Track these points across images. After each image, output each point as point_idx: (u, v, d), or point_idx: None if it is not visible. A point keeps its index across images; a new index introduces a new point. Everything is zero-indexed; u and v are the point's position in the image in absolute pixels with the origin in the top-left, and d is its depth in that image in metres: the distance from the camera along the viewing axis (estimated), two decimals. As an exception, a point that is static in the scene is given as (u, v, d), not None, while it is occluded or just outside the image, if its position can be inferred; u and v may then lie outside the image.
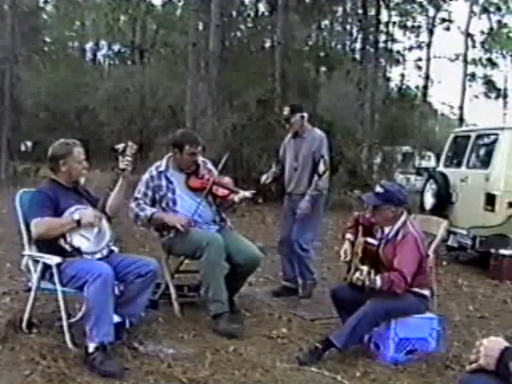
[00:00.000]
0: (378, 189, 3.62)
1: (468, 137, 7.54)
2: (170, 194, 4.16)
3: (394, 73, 42.16)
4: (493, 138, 7.03)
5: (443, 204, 7.30)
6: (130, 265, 3.44)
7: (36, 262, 3.40)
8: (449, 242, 7.22)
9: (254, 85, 13.62)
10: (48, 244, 3.35)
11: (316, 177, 4.77)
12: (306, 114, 4.93)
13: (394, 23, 24.40)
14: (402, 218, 3.59)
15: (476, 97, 27.92)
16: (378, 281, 3.37)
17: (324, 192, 4.87)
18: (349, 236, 3.79)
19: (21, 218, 3.47)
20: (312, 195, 4.76)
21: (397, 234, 3.56)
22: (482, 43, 26.49)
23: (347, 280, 3.61)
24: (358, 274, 3.40)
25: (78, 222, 3.31)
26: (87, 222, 3.34)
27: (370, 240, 3.64)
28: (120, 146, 3.60)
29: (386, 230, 3.63)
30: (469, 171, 7.23)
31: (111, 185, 3.56)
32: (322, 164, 4.79)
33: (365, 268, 3.41)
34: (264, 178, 5.16)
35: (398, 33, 25.47)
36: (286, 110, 4.94)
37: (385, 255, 3.55)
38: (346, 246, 3.76)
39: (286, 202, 5.07)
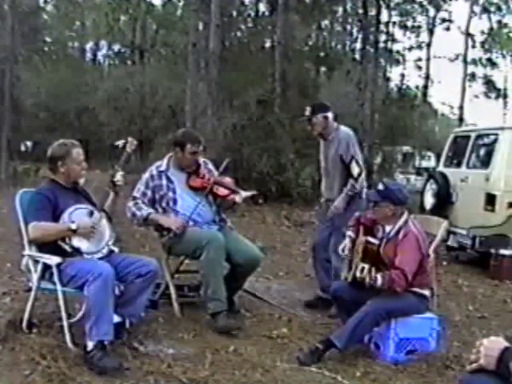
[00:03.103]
0: (380, 186, 3.70)
1: (468, 137, 7.55)
2: (170, 194, 4.16)
3: (394, 73, 42.15)
4: (493, 137, 7.04)
5: (443, 204, 7.30)
6: (130, 265, 3.44)
7: (36, 261, 3.40)
8: (449, 242, 7.22)
9: (253, 85, 13.59)
10: (48, 244, 3.35)
11: (351, 180, 4.43)
12: (330, 114, 4.53)
13: (394, 23, 24.38)
14: (404, 218, 3.61)
15: (476, 97, 27.92)
16: (379, 279, 3.38)
17: (363, 195, 4.40)
18: (349, 233, 3.81)
19: (21, 218, 3.47)
20: (347, 194, 4.43)
21: (398, 232, 3.58)
22: (482, 43, 26.47)
23: (348, 279, 3.62)
24: (358, 272, 3.42)
25: (74, 231, 3.31)
26: (82, 233, 3.34)
27: (370, 239, 3.65)
28: (120, 143, 3.60)
29: (387, 228, 3.65)
30: (469, 171, 7.24)
31: (111, 183, 3.56)
32: (355, 165, 4.43)
33: (366, 266, 3.43)
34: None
35: (398, 33, 25.49)
36: (308, 111, 4.56)
37: (386, 254, 3.56)
38: (346, 242, 3.77)
39: (324, 206, 4.75)
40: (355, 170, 4.44)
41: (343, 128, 4.63)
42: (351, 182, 4.43)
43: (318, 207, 4.85)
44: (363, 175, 4.51)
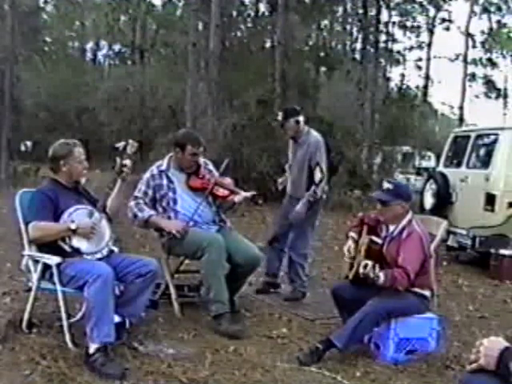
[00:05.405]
0: (387, 185, 3.65)
1: (468, 137, 7.54)
2: (170, 194, 4.16)
3: (394, 73, 42.23)
4: (493, 137, 7.04)
5: (443, 204, 7.30)
6: (130, 265, 3.44)
7: (36, 262, 3.40)
8: (449, 242, 7.22)
9: (254, 85, 13.62)
10: (48, 244, 3.35)
11: (313, 186, 4.63)
12: (301, 118, 4.73)
13: (394, 23, 24.44)
14: (408, 217, 3.60)
15: (476, 97, 27.95)
16: (382, 276, 3.36)
17: (323, 197, 4.78)
18: (352, 234, 3.77)
19: (21, 218, 3.47)
20: (309, 200, 4.65)
21: (402, 231, 3.56)
22: (482, 43, 26.50)
23: (349, 278, 3.61)
24: (362, 268, 3.39)
25: (74, 231, 3.31)
26: (82, 233, 3.34)
27: (374, 239, 3.63)
28: (120, 145, 3.59)
29: (391, 227, 3.63)
30: (469, 171, 7.23)
31: (111, 184, 3.56)
32: (318, 172, 4.63)
33: (369, 262, 3.40)
34: (279, 181, 5.16)
35: (398, 33, 25.55)
36: (280, 116, 4.80)
37: (389, 253, 3.55)
38: (350, 243, 3.73)
39: (286, 201, 5.02)
40: (318, 175, 4.64)
41: (314, 133, 4.81)
42: (313, 188, 4.65)
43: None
44: (324, 181, 4.69)
